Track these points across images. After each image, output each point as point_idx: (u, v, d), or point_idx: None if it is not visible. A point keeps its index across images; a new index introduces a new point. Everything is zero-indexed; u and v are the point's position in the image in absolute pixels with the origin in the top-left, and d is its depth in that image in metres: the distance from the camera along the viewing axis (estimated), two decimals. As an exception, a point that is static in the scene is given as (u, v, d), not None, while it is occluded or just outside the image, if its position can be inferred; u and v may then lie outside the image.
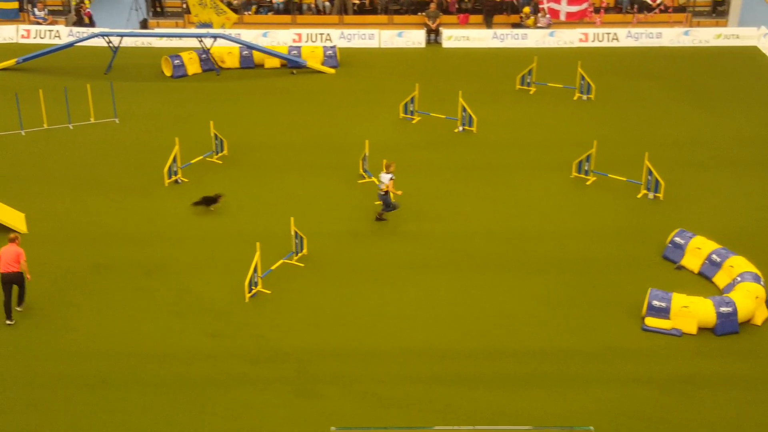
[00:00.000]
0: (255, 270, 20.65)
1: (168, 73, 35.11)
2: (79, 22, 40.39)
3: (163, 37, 38.22)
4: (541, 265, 22.09)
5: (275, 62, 36.05)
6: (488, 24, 40.24)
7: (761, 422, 17.06)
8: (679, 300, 19.60)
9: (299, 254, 22.27)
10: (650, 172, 25.10)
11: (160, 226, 23.84)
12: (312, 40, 38.66)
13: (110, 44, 35.59)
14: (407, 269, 21.95)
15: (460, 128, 29.77)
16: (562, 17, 39.40)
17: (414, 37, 38.99)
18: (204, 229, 23.67)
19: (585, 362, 18.63)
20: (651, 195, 25.20)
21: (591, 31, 39.00)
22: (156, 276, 21.62)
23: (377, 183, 23.84)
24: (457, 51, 38.46)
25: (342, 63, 36.32)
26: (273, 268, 21.72)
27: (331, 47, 36.64)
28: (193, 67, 35.37)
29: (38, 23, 39.93)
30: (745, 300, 19.64)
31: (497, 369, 18.46)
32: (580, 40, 38.90)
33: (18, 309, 20.03)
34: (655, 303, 19.64)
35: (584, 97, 32.58)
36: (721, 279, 21.14)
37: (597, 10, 40.20)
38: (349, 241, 23.16)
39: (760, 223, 24.08)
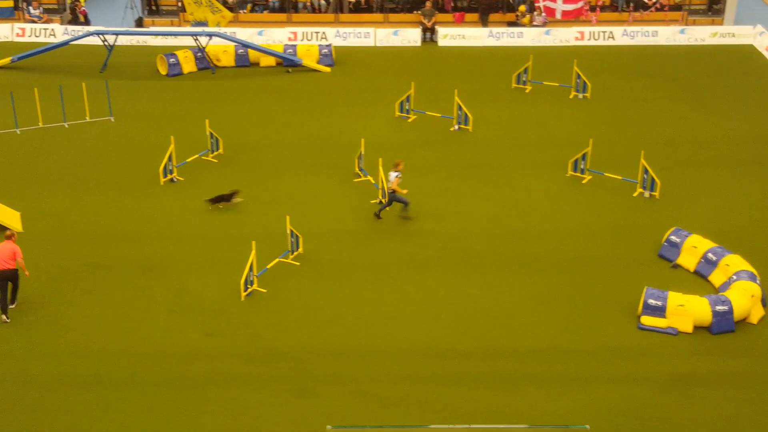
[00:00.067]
0: (251, 269, 20.64)
1: (163, 71, 35.06)
2: (75, 21, 40.31)
3: (158, 36, 38.16)
4: (536, 264, 22.09)
5: (271, 61, 36.02)
6: (484, 22, 40.25)
7: (757, 420, 17.09)
8: (675, 299, 19.62)
9: (295, 253, 22.26)
10: (646, 171, 25.12)
11: (156, 225, 23.81)
12: (307, 38, 38.63)
13: (105, 43, 35.53)
14: (403, 268, 21.95)
15: (456, 127, 29.77)
16: (558, 16, 39.42)
17: (410, 36, 38.97)
18: (200, 228, 23.65)
19: (581, 361, 18.64)
20: (647, 193, 25.22)
21: (587, 29, 39.02)
22: (152, 275, 21.59)
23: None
24: (453, 49, 38.46)
25: (337, 61, 36.30)
26: (269, 266, 21.70)
27: (327, 46, 36.63)
28: (188, 65, 35.33)
29: (33, 21, 39.83)
30: (741, 298, 19.66)
31: (493, 368, 18.46)
32: (576, 38, 38.91)
33: (10, 307, 20.00)
34: (651, 302, 19.66)
35: (580, 95, 32.59)
36: (716, 277, 21.16)
37: (593, 9, 40.21)
38: (344, 239, 23.15)
39: (755, 221, 24.12)
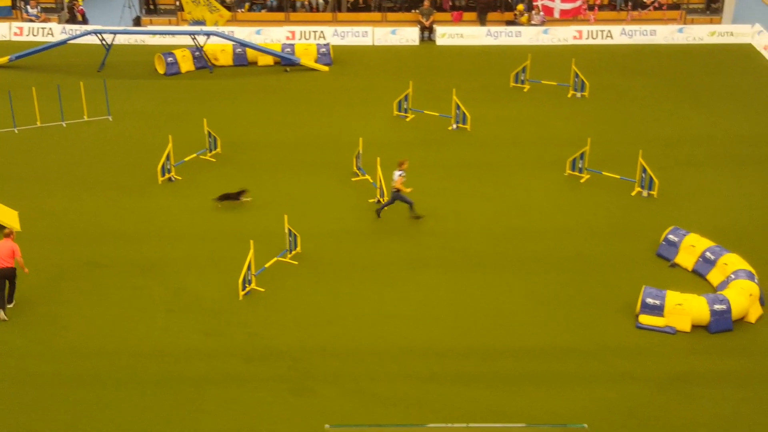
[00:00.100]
0: (249, 268, 20.63)
1: (161, 70, 35.04)
2: (72, 20, 40.29)
3: (156, 35, 38.12)
4: (535, 263, 22.09)
5: (269, 60, 36.00)
6: (482, 21, 40.24)
7: (755, 419, 17.09)
8: (673, 297, 19.62)
9: (293, 252, 22.25)
10: (644, 170, 25.12)
11: (154, 224, 23.80)
12: (305, 37, 38.61)
13: (103, 42, 35.51)
14: (401, 267, 21.94)
15: (454, 126, 29.77)
16: (556, 15, 39.45)
17: (408, 35, 38.96)
18: (198, 227, 23.64)
19: (579, 360, 18.64)
20: (645, 192, 25.22)
21: (585, 28, 39.01)
22: (150, 274, 21.57)
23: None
24: (451, 48, 38.45)
25: (335, 60, 36.28)
26: (267, 266, 21.69)
27: (325, 45, 36.61)
28: (186, 64, 35.31)
29: (31, 21, 39.80)
30: (739, 297, 19.66)
31: (492, 367, 18.45)
32: (574, 37, 38.91)
33: (9, 306, 19.99)
34: (649, 301, 19.66)
35: (578, 94, 32.59)
36: (715, 276, 21.16)
37: (591, 8, 40.22)
38: (342, 238, 23.14)
39: (754, 220, 24.13)
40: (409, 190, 23.49)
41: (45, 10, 41.05)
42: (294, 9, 40.97)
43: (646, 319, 19.67)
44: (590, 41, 38.88)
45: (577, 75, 32.54)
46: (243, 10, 40.91)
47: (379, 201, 24.57)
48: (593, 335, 19.43)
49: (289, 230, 21.94)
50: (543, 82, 33.50)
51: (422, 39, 39.21)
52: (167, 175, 26.00)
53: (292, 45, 36.47)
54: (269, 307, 20.34)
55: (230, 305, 20.36)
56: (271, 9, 41.03)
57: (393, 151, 26.40)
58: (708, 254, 21.47)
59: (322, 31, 38.71)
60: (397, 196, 23.56)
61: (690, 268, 21.72)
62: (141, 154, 27.55)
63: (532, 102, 32.20)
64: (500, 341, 19.25)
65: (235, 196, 24.55)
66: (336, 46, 37.27)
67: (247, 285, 20.68)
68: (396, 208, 24.03)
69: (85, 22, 40.20)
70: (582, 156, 26.17)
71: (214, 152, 27.58)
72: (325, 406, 17.29)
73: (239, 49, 35.99)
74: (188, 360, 18.60)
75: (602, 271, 21.75)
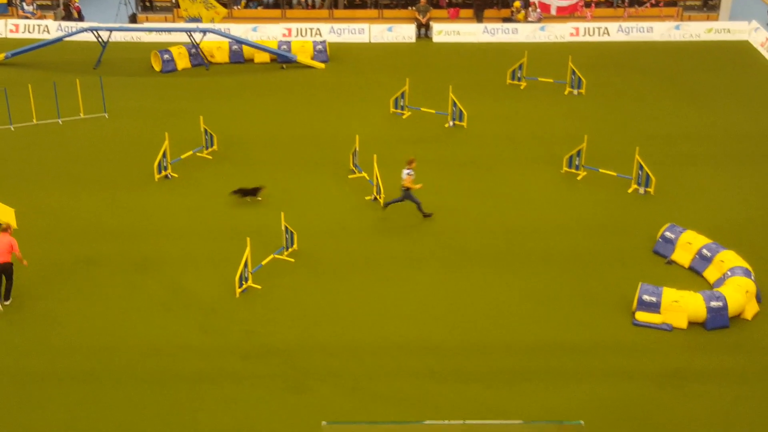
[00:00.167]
0: (245, 265, 20.61)
1: (157, 67, 34.98)
2: (68, 17, 40.21)
3: (152, 32, 38.06)
4: (531, 260, 22.10)
5: (265, 57, 35.96)
6: (479, 18, 40.21)
7: (751, 416, 17.12)
8: (669, 294, 19.63)
9: (290, 249, 22.24)
10: (641, 167, 25.12)
11: (151, 222, 23.77)
12: (302, 34, 38.56)
13: (99, 39, 35.45)
14: (398, 264, 21.94)
15: (451, 123, 29.76)
16: (553, 12, 39.42)
17: (404, 32, 38.91)
18: (194, 225, 23.62)
19: (575, 357, 18.65)
20: (641, 190, 25.23)
21: (582, 25, 38.98)
22: (147, 271, 21.55)
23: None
24: (448, 45, 38.42)
25: (332, 58, 36.24)
26: (263, 263, 21.68)
27: (321, 42, 36.57)
28: (182, 61, 35.25)
29: (27, 18, 39.71)
30: (736, 294, 19.68)
31: (488, 364, 18.47)
32: (571, 34, 38.87)
33: (5, 303, 19.98)
34: (646, 297, 19.67)
35: (575, 91, 32.58)
36: (711, 273, 21.18)
37: (588, 5, 40.18)
38: (339, 236, 23.13)
39: (750, 217, 24.14)
40: (418, 186, 23.44)
41: (41, 7, 40.95)
42: (290, 6, 40.92)
43: (642, 316, 19.68)
44: (587, 38, 38.86)
45: (573, 72, 32.52)
46: (239, 6, 40.86)
47: (375, 198, 24.55)
48: (590, 332, 19.44)
49: (286, 227, 21.93)
50: (540, 79, 33.48)
51: (419, 36, 39.16)
52: (164, 173, 25.97)
53: (289, 42, 36.44)
54: (266, 304, 20.33)
55: (227, 302, 20.35)
56: (267, 6, 40.98)
57: (390, 148, 26.41)
58: (704, 251, 21.48)
59: (318, 28, 38.66)
60: (407, 194, 23.54)
61: (686, 265, 21.73)
62: (137, 151, 27.51)
63: (528, 99, 32.18)
64: (497, 338, 19.25)
65: (252, 192, 24.53)
66: (332, 43, 37.23)
67: (243, 282, 20.67)
68: (397, 206, 23.99)
69: (81, 19, 40.16)
70: (579, 153, 26.16)
71: (210, 149, 27.55)
72: (322, 403, 17.29)
73: (235, 46, 35.93)
74: (185, 357, 18.59)
75: (599, 268, 21.76)
